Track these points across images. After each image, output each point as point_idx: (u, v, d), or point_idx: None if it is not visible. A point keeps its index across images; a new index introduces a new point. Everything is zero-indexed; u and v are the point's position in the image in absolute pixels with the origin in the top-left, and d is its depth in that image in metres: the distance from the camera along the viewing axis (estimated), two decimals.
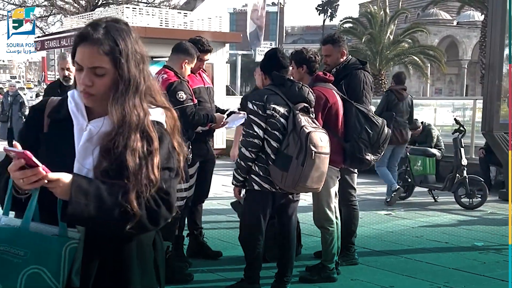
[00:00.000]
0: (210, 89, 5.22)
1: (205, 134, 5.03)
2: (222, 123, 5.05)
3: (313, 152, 3.99)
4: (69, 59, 5.58)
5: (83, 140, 1.80)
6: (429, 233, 6.64)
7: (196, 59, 4.84)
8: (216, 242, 5.72)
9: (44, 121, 1.90)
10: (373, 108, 6.44)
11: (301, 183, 4.03)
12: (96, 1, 26.53)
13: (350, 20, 35.89)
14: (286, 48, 44.31)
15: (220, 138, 12.93)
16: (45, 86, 15.88)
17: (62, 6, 26.86)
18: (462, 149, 8.24)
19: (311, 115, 4.25)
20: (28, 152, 1.63)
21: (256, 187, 4.19)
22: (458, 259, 5.56)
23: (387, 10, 33.59)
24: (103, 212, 1.70)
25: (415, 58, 32.79)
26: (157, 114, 1.88)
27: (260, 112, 4.11)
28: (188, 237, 5.33)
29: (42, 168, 1.65)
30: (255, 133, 4.12)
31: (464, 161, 8.21)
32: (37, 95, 28.20)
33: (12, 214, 1.83)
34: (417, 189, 8.84)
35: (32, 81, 75.25)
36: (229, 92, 20.27)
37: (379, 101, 8.77)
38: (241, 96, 9.71)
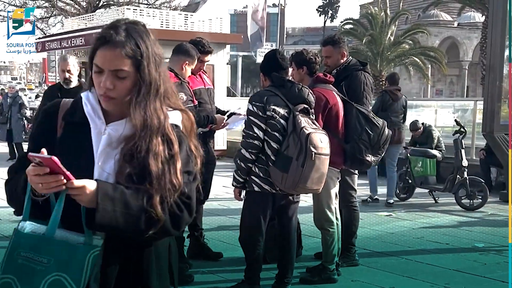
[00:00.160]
0: (210, 90, 5.22)
1: (205, 135, 5.03)
2: (222, 124, 5.06)
3: (313, 153, 3.99)
4: (70, 60, 5.52)
5: (103, 145, 1.78)
6: (430, 234, 6.64)
7: (196, 60, 4.83)
8: (217, 243, 5.72)
9: (57, 124, 1.87)
10: None
11: (301, 184, 4.03)
12: (97, 3, 26.58)
13: (351, 21, 35.93)
14: (286, 49, 44.35)
15: (220, 139, 12.95)
16: (46, 87, 15.86)
17: (62, 7, 26.93)
18: (463, 150, 8.24)
19: (311, 116, 4.25)
20: (55, 158, 1.60)
21: (256, 188, 4.19)
22: (458, 260, 5.56)
23: (388, 11, 33.60)
24: (130, 218, 1.69)
25: (416, 59, 32.82)
26: (175, 117, 1.87)
27: (260, 113, 4.12)
28: (188, 238, 5.33)
29: (67, 175, 1.63)
30: (255, 134, 4.12)
31: (465, 162, 8.22)
32: (37, 97, 28.23)
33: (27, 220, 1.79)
34: (417, 190, 8.84)
35: (33, 82, 75.29)
36: (230, 93, 20.27)
37: (373, 102, 8.80)
38: (242, 97, 9.69)
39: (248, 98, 4.56)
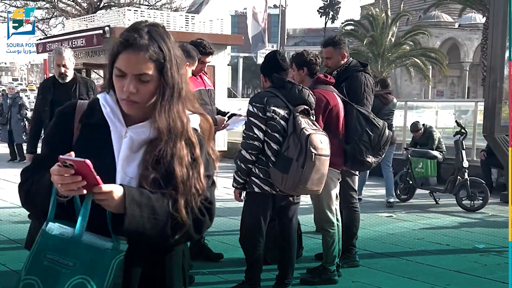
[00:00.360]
0: (211, 91, 5.22)
1: None
2: (223, 125, 5.06)
3: (313, 154, 3.99)
4: (65, 54, 5.35)
5: (125, 148, 1.75)
6: (430, 235, 6.64)
7: (197, 61, 4.84)
8: (217, 244, 5.72)
9: (74, 125, 1.83)
10: None
11: (301, 185, 4.03)
12: (98, 4, 26.60)
13: (352, 22, 35.98)
14: (287, 50, 44.37)
15: (221, 140, 12.95)
16: None
17: (63, 8, 26.95)
18: (464, 151, 8.24)
19: (311, 117, 4.25)
20: (89, 162, 1.57)
21: (256, 189, 4.20)
22: (459, 261, 5.56)
23: (389, 13, 33.66)
24: (156, 224, 1.68)
25: (417, 60, 32.84)
26: (194, 120, 1.85)
27: (260, 114, 4.12)
28: None
29: (97, 179, 1.61)
30: (255, 135, 4.12)
31: (466, 163, 8.22)
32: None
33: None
34: (418, 191, 8.84)
35: (34, 83, 75.31)
36: (231, 94, 20.29)
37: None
38: (242, 98, 9.70)
39: (249, 99, 4.56)
